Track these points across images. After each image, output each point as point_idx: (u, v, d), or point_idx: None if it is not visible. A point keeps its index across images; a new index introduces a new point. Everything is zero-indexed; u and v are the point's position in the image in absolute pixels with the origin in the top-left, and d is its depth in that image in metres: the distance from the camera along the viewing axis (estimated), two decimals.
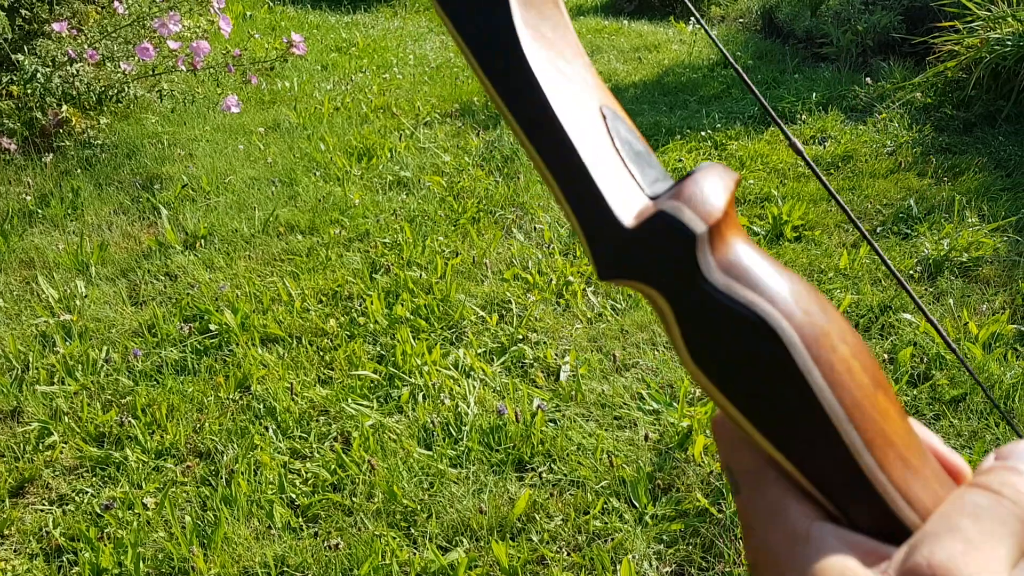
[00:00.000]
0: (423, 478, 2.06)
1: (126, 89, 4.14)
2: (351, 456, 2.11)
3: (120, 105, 4.41)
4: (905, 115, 4.29)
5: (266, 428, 2.24)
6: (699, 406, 2.26)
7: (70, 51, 3.90)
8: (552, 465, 2.09)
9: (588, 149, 0.31)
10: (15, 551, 1.91)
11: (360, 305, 2.80)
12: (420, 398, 2.33)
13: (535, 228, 3.34)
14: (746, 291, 0.29)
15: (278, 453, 2.16)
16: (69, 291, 2.91)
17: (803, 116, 4.48)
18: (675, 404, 2.25)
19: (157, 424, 2.27)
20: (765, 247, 3.11)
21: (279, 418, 2.27)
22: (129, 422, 2.25)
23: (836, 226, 3.28)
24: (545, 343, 2.58)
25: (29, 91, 3.75)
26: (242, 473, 2.07)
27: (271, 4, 7.82)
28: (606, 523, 1.91)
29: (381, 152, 4.13)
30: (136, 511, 1.98)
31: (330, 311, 2.78)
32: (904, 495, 0.30)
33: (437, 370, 2.43)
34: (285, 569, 1.84)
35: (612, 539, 1.87)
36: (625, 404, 2.30)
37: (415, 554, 1.85)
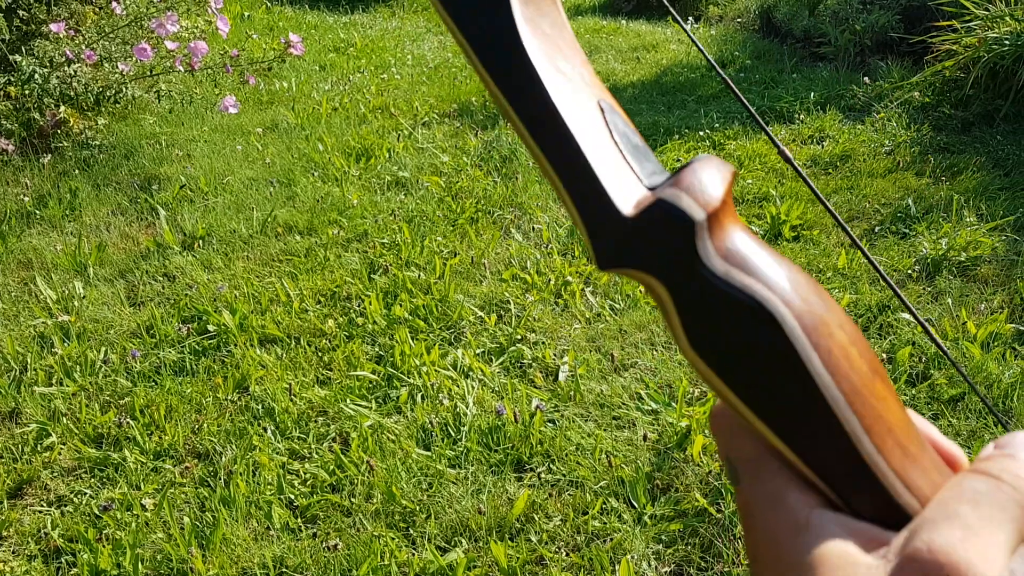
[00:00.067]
0: (422, 479, 2.05)
1: (124, 90, 4.14)
2: (350, 457, 2.11)
3: (118, 106, 4.41)
4: (903, 114, 4.29)
5: (264, 429, 2.24)
6: (697, 406, 2.26)
7: (68, 52, 3.89)
8: (551, 465, 2.09)
9: (588, 142, 0.31)
10: (13, 552, 1.91)
11: (359, 305, 2.80)
12: (419, 398, 2.33)
13: (533, 228, 3.34)
14: (745, 277, 0.29)
15: (277, 454, 2.16)
16: (67, 292, 2.91)
17: (801, 116, 4.49)
18: (674, 404, 2.25)
19: (155, 425, 2.27)
20: None
21: (278, 419, 2.27)
22: (127, 423, 2.25)
23: (834, 226, 3.28)
24: (543, 343, 2.58)
25: (27, 92, 3.75)
26: (241, 474, 2.07)
27: (269, 4, 7.81)
28: (605, 523, 1.91)
29: (379, 152, 4.13)
30: (135, 512, 1.98)
31: (328, 312, 2.77)
32: (903, 481, 0.30)
33: (436, 370, 2.43)
34: (284, 570, 1.83)
35: (611, 539, 1.87)
36: (624, 404, 2.30)
37: (414, 555, 1.85)
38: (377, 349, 2.57)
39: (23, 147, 3.93)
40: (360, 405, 2.31)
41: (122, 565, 1.84)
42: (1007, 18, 4.13)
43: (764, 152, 4.05)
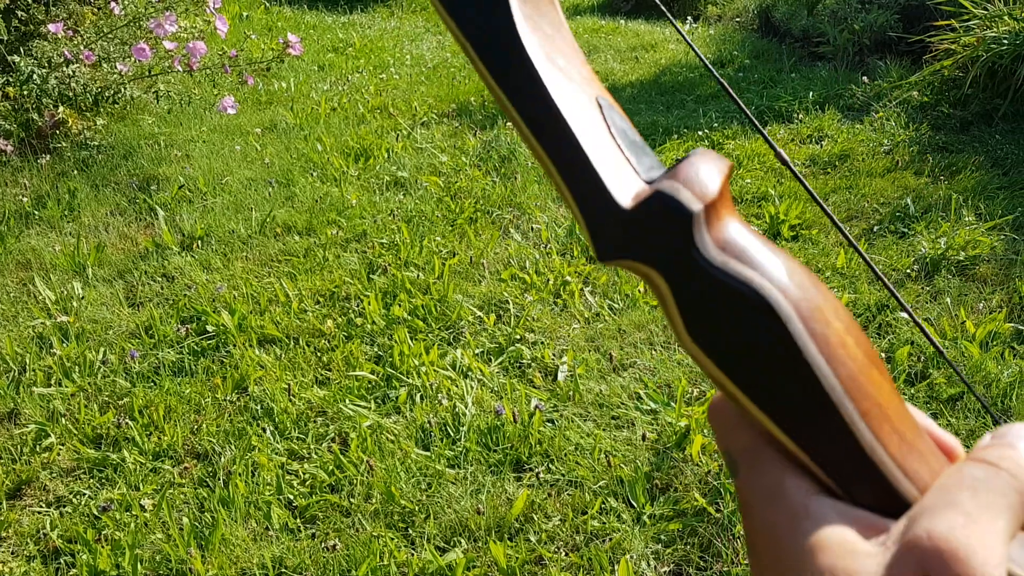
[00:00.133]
0: (421, 479, 2.05)
1: (122, 90, 4.14)
2: (349, 457, 2.11)
3: (116, 106, 4.41)
4: (902, 114, 4.29)
5: (264, 429, 2.24)
6: (696, 406, 2.26)
7: (66, 52, 3.89)
8: (550, 465, 2.09)
9: (586, 137, 0.31)
10: (12, 553, 1.91)
11: (357, 306, 2.80)
12: (418, 399, 2.33)
13: (532, 228, 3.33)
14: (742, 267, 0.30)
15: (276, 454, 2.15)
16: (66, 293, 2.91)
17: (800, 115, 4.49)
18: (672, 404, 2.25)
19: (154, 425, 2.27)
20: None
21: (277, 419, 2.27)
22: (126, 423, 2.25)
23: (833, 225, 3.28)
24: (543, 343, 2.58)
25: (25, 92, 3.74)
26: (240, 474, 2.07)
27: (267, 4, 7.81)
28: (604, 523, 1.91)
29: (378, 152, 4.13)
30: (134, 513, 1.98)
31: (327, 312, 2.77)
32: (901, 467, 0.30)
33: (435, 370, 2.43)
34: (283, 570, 1.83)
35: (610, 539, 1.87)
36: (623, 404, 2.30)
37: (413, 555, 1.85)
38: (376, 349, 2.57)
39: (22, 148, 3.93)
40: (359, 405, 2.31)
41: (121, 566, 1.84)
42: (1006, 17, 4.13)
43: (763, 152, 4.05)
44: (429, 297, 2.81)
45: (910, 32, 5.05)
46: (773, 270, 0.30)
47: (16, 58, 3.76)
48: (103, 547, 1.87)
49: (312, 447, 2.17)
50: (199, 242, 3.25)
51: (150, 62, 4.09)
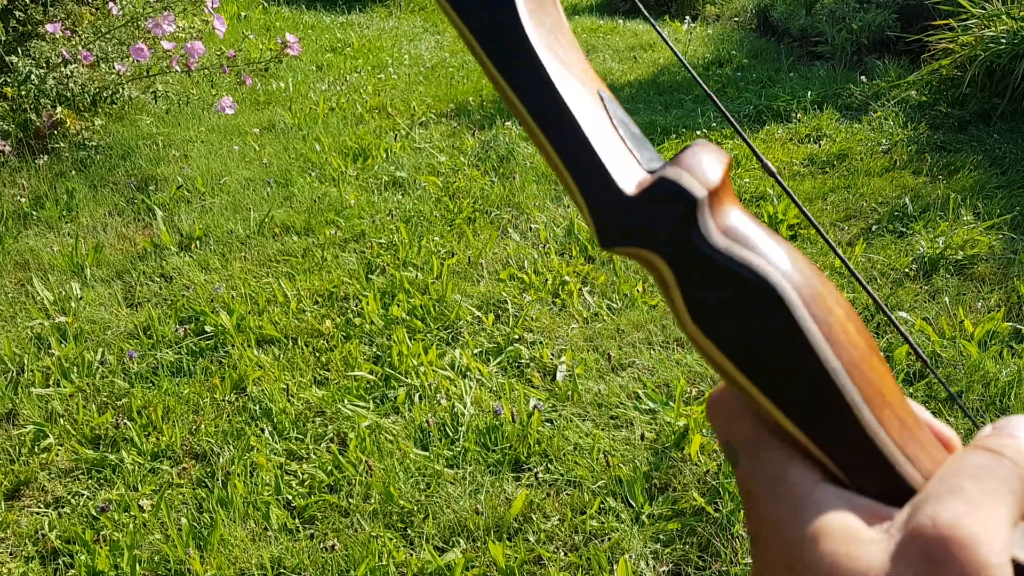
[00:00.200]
0: (420, 479, 2.05)
1: (120, 90, 4.14)
2: (347, 457, 2.11)
3: (115, 106, 4.41)
4: (900, 113, 4.29)
5: (262, 430, 2.24)
6: (695, 405, 2.26)
7: (64, 52, 3.89)
8: (548, 465, 2.09)
9: (590, 126, 0.32)
10: (11, 554, 1.90)
11: (356, 306, 2.80)
12: (416, 399, 2.33)
13: (531, 228, 3.33)
14: (746, 252, 0.30)
15: (274, 454, 2.15)
16: (64, 293, 2.90)
17: (798, 115, 4.49)
18: (671, 403, 2.25)
19: (153, 426, 2.27)
20: None
21: (275, 419, 2.26)
22: (125, 424, 2.25)
23: (832, 224, 3.29)
24: (541, 343, 2.58)
25: (23, 93, 3.74)
26: (238, 475, 2.07)
27: (265, 4, 7.81)
28: (603, 523, 1.91)
29: (376, 152, 4.13)
30: (132, 513, 1.98)
31: (326, 312, 2.77)
32: (903, 453, 0.30)
33: (433, 370, 2.43)
34: (281, 571, 1.83)
35: (609, 539, 1.87)
36: (621, 404, 2.30)
37: (412, 555, 1.85)
38: (374, 349, 2.57)
39: (19, 148, 3.93)
40: (358, 405, 2.31)
41: (120, 566, 1.84)
42: (1004, 16, 4.14)
43: (761, 151, 4.05)
44: (427, 297, 2.81)
45: (908, 31, 5.06)
46: (776, 256, 0.30)
47: (14, 58, 3.76)
48: (101, 548, 1.87)
49: (311, 447, 2.17)
50: (197, 242, 3.25)
51: (148, 62, 4.09)
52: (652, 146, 0.34)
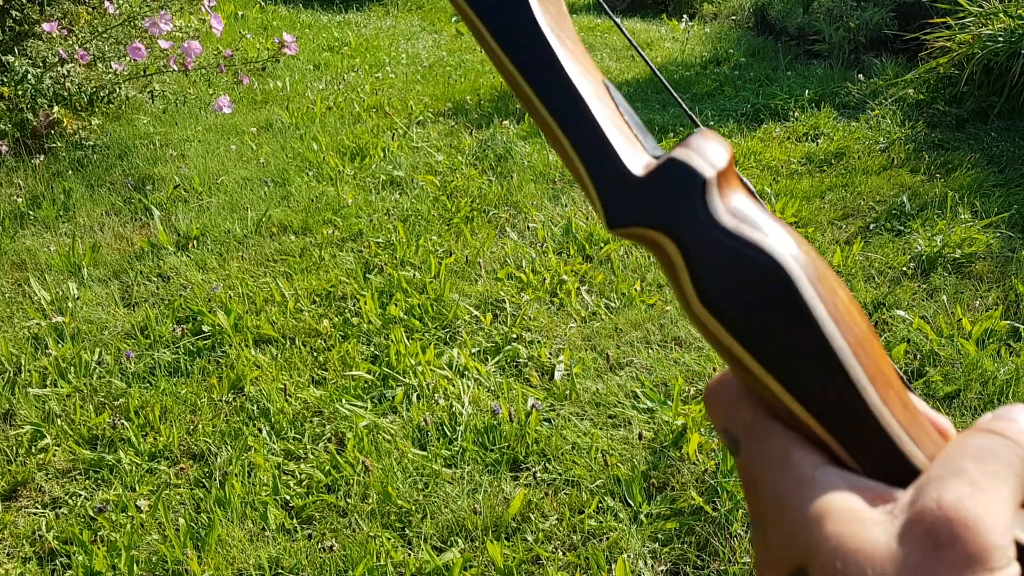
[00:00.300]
0: (418, 479, 2.05)
1: (117, 90, 4.13)
2: (345, 457, 2.11)
3: (111, 106, 4.40)
4: (898, 112, 4.29)
5: (260, 429, 2.24)
6: (693, 404, 2.26)
7: (61, 52, 3.88)
8: (547, 464, 2.09)
9: (599, 111, 0.32)
10: (8, 555, 1.90)
11: (354, 305, 2.80)
12: (414, 398, 2.33)
13: (528, 227, 3.33)
14: (754, 232, 0.30)
15: (272, 454, 2.15)
16: (61, 293, 2.90)
17: (796, 113, 4.49)
18: (669, 402, 2.25)
19: (150, 426, 2.26)
20: None
21: (273, 419, 2.26)
22: (122, 424, 2.24)
23: (829, 223, 3.29)
24: (539, 342, 2.57)
25: (20, 92, 3.73)
26: (236, 475, 2.07)
27: (263, 3, 7.80)
28: (601, 522, 1.91)
29: (374, 151, 4.13)
30: (130, 514, 1.97)
31: (323, 311, 2.77)
32: (907, 433, 0.30)
33: (431, 370, 2.43)
34: (279, 571, 1.83)
35: (607, 538, 1.87)
36: (619, 403, 2.30)
37: (410, 555, 1.84)
38: (372, 349, 2.57)
39: (16, 148, 3.92)
40: (355, 405, 2.31)
41: (117, 567, 1.83)
42: (1001, 15, 4.14)
43: (759, 150, 4.05)
44: (425, 296, 2.81)
45: (906, 30, 5.06)
46: (782, 237, 0.30)
47: (11, 58, 3.75)
48: (99, 548, 1.87)
49: (308, 447, 2.17)
50: (195, 242, 3.24)
51: (145, 62, 4.08)
52: (652, 137, 0.34)
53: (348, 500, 1.99)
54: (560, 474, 2.05)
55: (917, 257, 2.91)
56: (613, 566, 1.79)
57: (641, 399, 2.29)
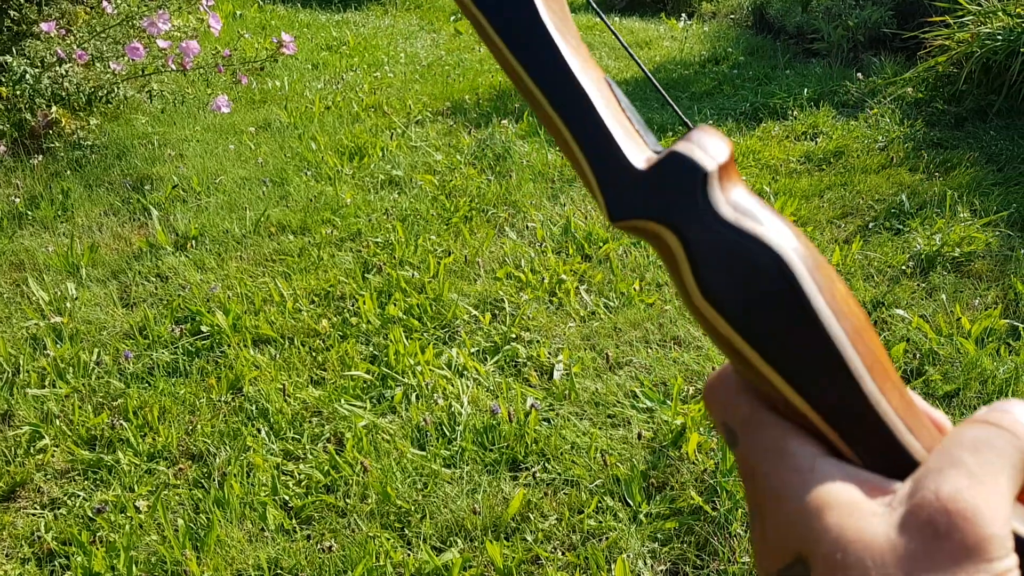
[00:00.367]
0: (417, 479, 2.05)
1: (116, 89, 4.13)
2: (344, 457, 2.10)
3: (110, 106, 4.39)
4: (896, 110, 4.29)
5: (258, 430, 2.23)
6: (692, 404, 2.25)
7: (59, 51, 3.87)
8: (546, 464, 2.08)
9: (602, 106, 0.33)
10: (7, 556, 1.90)
11: (352, 305, 2.79)
12: (413, 398, 2.32)
13: (527, 226, 3.33)
14: (754, 224, 0.31)
15: (271, 455, 2.15)
16: (59, 293, 2.90)
17: (795, 112, 4.49)
18: (668, 402, 2.24)
19: (149, 426, 2.26)
20: None
21: (272, 419, 2.26)
22: (121, 425, 2.24)
23: (828, 222, 3.28)
24: (538, 342, 2.57)
25: (18, 92, 3.73)
26: (235, 475, 2.07)
27: (261, 3, 7.79)
28: (600, 522, 1.91)
29: (372, 151, 4.12)
30: (128, 514, 1.97)
31: (322, 311, 2.77)
32: (905, 423, 0.31)
33: (430, 370, 2.43)
34: (279, 571, 1.83)
35: (606, 538, 1.87)
36: (619, 402, 2.29)
37: (409, 555, 1.84)
38: (371, 349, 2.56)
39: (14, 148, 3.91)
40: (354, 405, 2.30)
41: (116, 568, 1.83)
42: (1000, 13, 4.14)
43: (758, 148, 4.05)
44: (424, 296, 2.80)
45: (904, 28, 5.05)
46: (781, 230, 0.31)
47: (8, 58, 3.74)
48: (98, 549, 1.86)
49: (307, 447, 2.17)
50: (193, 242, 3.24)
51: (143, 61, 4.07)
52: (652, 134, 0.35)
53: (347, 500, 1.99)
54: (559, 474, 2.05)
55: (916, 256, 2.91)
56: (612, 566, 1.79)
57: (640, 398, 2.29)
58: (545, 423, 2.22)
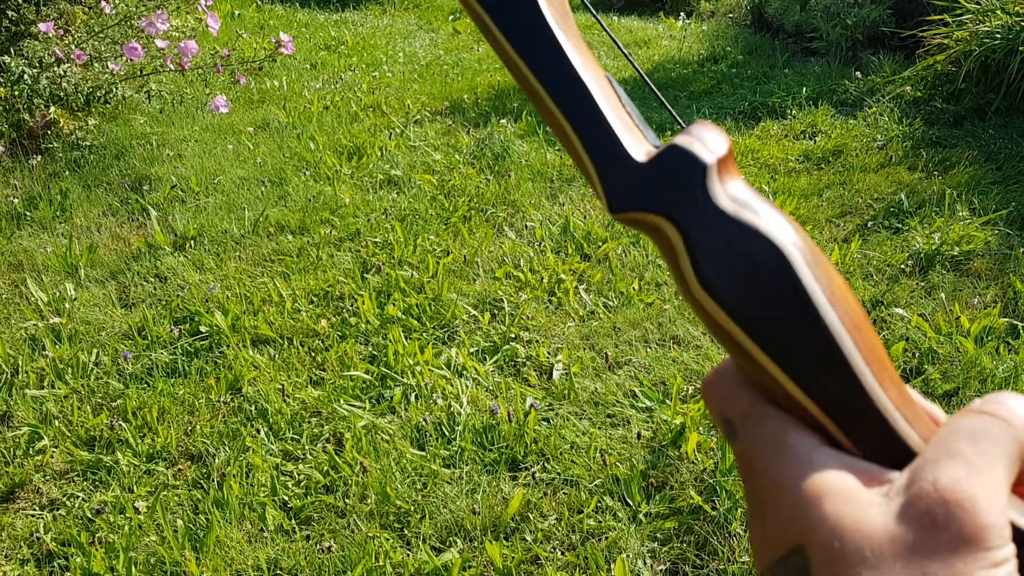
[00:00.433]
0: (416, 479, 2.05)
1: (114, 90, 4.12)
2: (343, 457, 2.10)
3: (108, 106, 4.39)
4: (895, 109, 4.29)
5: (258, 430, 2.23)
6: (692, 403, 2.25)
7: (57, 51, 3.87)
8: (545, 464, 2.08)
9: (602, 100, 0.33)
10: (6, 557, 1.90)
11: (351, 305, 2.79)
12: (412, 398, 2.32)
13: (526, 226, 3.33)
14: (753, 216, 0.31)
15: (270, 455, 2.15)
16: (58, 294, 2.89)
17: (793, 111, 4.48)
18: (668, 401, 2.24)
19: (148, 427, 2.26)
20: None
21: (271, 420, 2.26)
22: (120, 425, 2.24)
23: (827, 221, 3.28)
24: (537, 341, 2.57)
25: (16, 92, 3.72)
26: (234, 476, 2.06)
27: (259, 2, 7.79)
28: (600, 522, 1.90)
29: (371, 151, 4.12)
30: (128, 515, 1.97)
31: (321, 311, 2.76)
32: (903, 415, 0.31)
33: (429, 370, 2.42)
34: (278, 572, 1.83)
35: (606, 538, 1.86)
36: (618, 402, 2.29)
37: (408, 555, 1.84)
38: (370, 349, 2.56)
39: (13, 148, 3.91)
40: (354, 405, 2.30)
41: (115, 569, 1.83)
42: (998, 12, 4.14)
43: (756, 147, 4.05)
44: (423, 296, 2.80)
45: (903, 27, 5.05)
46: (781, 223, 0.31)
47: (7, 58, 3.74)
48: (97, 550, 1.86)
49: (307, 448, 2.17)
50: (192, 242, 3.24)
51: (142, 61, 4.07)
52: (651, 129, 0.35)
53: (346, 500, 1.99)
54: (559, 474, 2.05)
55: (915, 255, 2.91)
56: (612, 566, 1.79)
57: (640, 398, 2.29)
58: (544, 423, 2.22)
